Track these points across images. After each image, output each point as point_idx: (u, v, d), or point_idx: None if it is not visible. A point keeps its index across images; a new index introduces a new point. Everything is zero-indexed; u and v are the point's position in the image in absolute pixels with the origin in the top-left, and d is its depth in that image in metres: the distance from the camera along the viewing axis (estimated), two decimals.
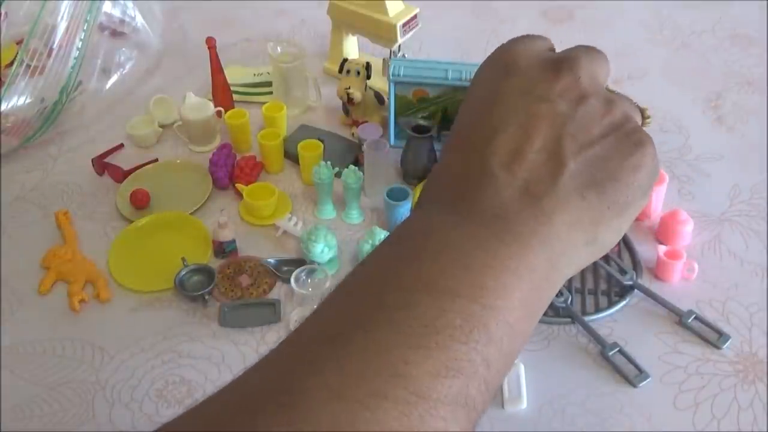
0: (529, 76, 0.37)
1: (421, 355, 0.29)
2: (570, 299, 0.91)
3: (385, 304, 0.31)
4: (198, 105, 1.15)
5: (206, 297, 0.92)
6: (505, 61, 0.39)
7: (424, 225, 0.35)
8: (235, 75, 1.29)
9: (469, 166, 0.35)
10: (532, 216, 0.33)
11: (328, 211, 1.06)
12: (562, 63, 0.37)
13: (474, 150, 0.36)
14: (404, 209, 0.99)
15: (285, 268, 0.97)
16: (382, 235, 0.96)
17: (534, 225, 0.33)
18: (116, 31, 1.25)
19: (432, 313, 0.30)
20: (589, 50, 0.39)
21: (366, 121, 1.16)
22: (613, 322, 0.90)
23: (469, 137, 0.37)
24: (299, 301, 0.93)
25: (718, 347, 0.87)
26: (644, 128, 0.39)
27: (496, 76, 0.38)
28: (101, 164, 1.13)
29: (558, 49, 0.41)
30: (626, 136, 0.36)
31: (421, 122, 1.07)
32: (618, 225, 0.36)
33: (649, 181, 0.36)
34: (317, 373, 0.29)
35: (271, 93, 1.26)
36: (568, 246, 0.34)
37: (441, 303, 0.30)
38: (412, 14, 1.17)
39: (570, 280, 0.94)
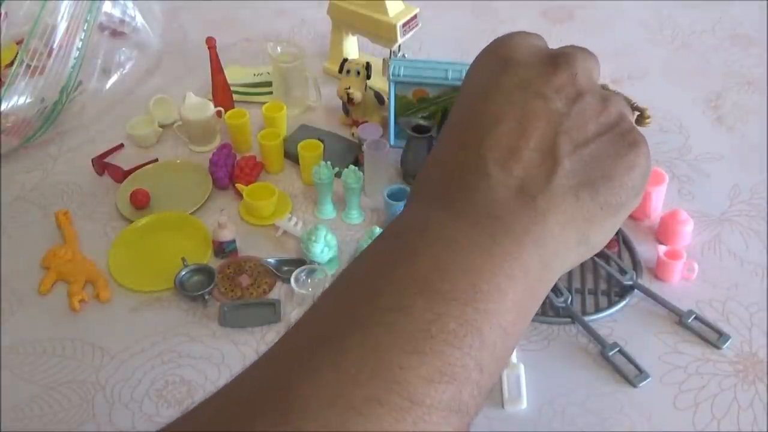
0: (526, 70, 0.37)
1: (416, 360, 0.29)
2: (570, 299, 0.91)
3: (380, 305, 0.30)
4: (198, 105, 1.15)
5: (206, 297, 0.92)
6: (502, 54, 0.38)
7: (420, 222, 0.34)
8: (235, 75, 1.29)
9: (464, 161, 0.35)
10: (526, 215, 0.33)
11: (328, 211, 1.06)
12: (559, 59, 0.37)
13: (469, 143, 0.35)
14: None
15: (285, 268, 0.97)
16: None
17: (528, 224, 0.33)
18: (116, 31, 1.25)
19: (427, 317, 0.30)
20: (582, 49, 0.39)
21: (366, 121, 1.16)
22: (613, 322, 0.90)
23: (464, 130, 0.37)
24: (299, 301, 0.93)
25: (718, 347, 0.87)
26: (644, 128, 0.39)
27: (492, 68, 0.38)
28: (101, 164, 1.13)
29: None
30: (621, 136, 0.36)
31: (421, 122, 1.07)
32: (610, 225, 0.36)
33: (642, 182, 0.36)
34: (312, 376, 0.29)
35: (271, 93, 1.26)
36: (561, 245, 0.34)
37: (435, 306, 0.30)
38: (412, 14, 1.18)
39: (570, 280, 0.94)
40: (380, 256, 0.34)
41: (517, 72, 0.37)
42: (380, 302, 0.31)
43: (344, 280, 0.34)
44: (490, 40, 0.40)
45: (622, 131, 0.36)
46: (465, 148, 0.35)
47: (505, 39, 0.39)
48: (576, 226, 0.34)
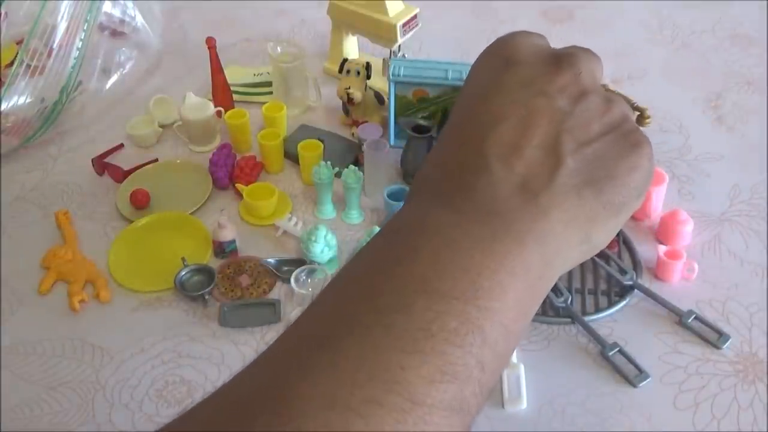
0: (530, 69, 0.37)
1: (416, 360, 0.29)
2: (570, 299, 0.91)
3: (380, 305, 0.30)
4: (198, 105, 1.15)
5: (206, 297, 0.92)
6: (504, 53, 0.38)
7: (419, 219, 0.34)
8: (235, 75, 1.29)
9: (466, 157, 0.35)
10: (528, 213, 0.33)
11: (328, 211, 1.06)
12: (562, 58, 0.37)
13: (471, 140, 0.35)
14: None
15: (285, 268, 0.97)
16: None
17: (530, 222, 0.33)
18: (116, 31, 1.25)
19: (427, 316, 0.29)
20: (585, 50, 0.39)
21: (366, 121, 1.16)
22: (613, 322, 0.90)
23: (466, 127, 0.36)
24: (299, 301, 0.93)
25: (718, 347, 0.87)
26: (644, 128, 0.39)
27: (495, 67, 0.38)
28: (101, 164, 1.14)
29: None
30: (624, 137, 0.36)
31: (421, 122, 1.07)
32: (613, 225, 0.36)
33: (644, 183, 0.36)
34: (311, 376, 0.28)
35: (271, 93, 1.26)
36: (563, 244, 0.34)
37: (436, 304, 0.30)
38: (412, 14, 1.18)
39: (570, 280, 0.94)
40: (379, 254, 0.34)
41: (520, 71, 0.37)
42: (379, 302, 0.30)
43: (343, 279, 0.34)
44: (490, 40, 0.40)
45: (626, 132, 0.36)
46: (466, 146, 0.35)
47: (507, 39, 0.39)
48: (578, 225, 0.34)
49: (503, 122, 0.35)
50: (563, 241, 0.34)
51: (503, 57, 0.38)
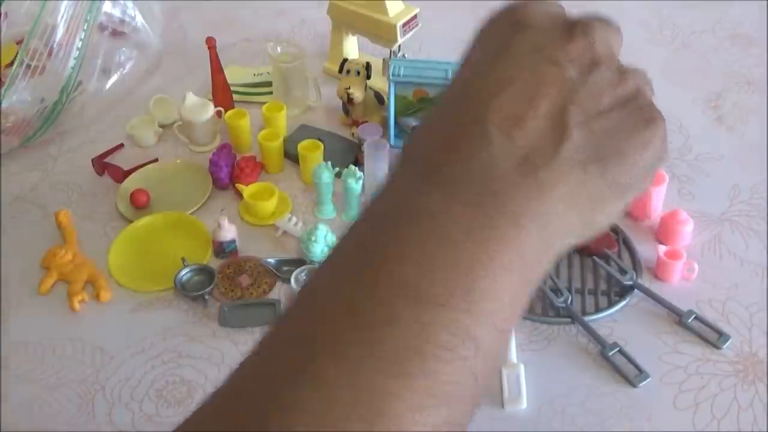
0: (540, 34, 0.34)
1: (404, 385, 0.27)
2: (570, 299, 0.91)
3: (364, 320, 0.28)
4: (198, 105, 1.15)
5: (206, 297, 0.92)
6: (514, 17, 0.35)
7: (405, 202, 0.31)
8: (235, 75, 1.29)
9: (463, 128, 0.32)
10: (526, 188, 0.30)
11: (328, 211, 1.06)
12: (576, 26, 0.34)
13: (469, 108, 0.32)
14: None
15: (285, 268, 0.97)
16: None
17: (528, 198, 0.30)
18: (116, 31, 1.25)
19: (415, 329, 0.27)
20: (603, 18, 0.36)
21: (366, 121, 1.16)
22: (613, 322, 0.90)
23: (465, 94, 0.33)
24: None
25: (718, 347, 0.87)
26: None
27: (502, 31, 0.35)
28: (101, 164, 1.13)
29: None
30: (637, 111, 0.33)
31: None
32: (615, 208, 0.33)
33: (654, 163, 0.33)
34: (285, 412, 0.26)
35: (271, 93, 1.26)
36: (564, 222, 0.31)
37: (424, 314, 0.28)
38: (412, 14, 1.18)
39: (570, 280, 0.94)
40: (361, 251, 0.31)
41: (529, 36, 0.34)
42: (363, 315, 0.28)
43: (323, 279, 0.32)
44: None
45: (640, 106, 0.33)
46: (463, 114, 0.32)
47: (519, 3, 0.36)
48: (580, 204, 0.32)
49: (506, 89, 0.32)
50: (564, 218, 0.31)
51: (512, 21, 0.35)
